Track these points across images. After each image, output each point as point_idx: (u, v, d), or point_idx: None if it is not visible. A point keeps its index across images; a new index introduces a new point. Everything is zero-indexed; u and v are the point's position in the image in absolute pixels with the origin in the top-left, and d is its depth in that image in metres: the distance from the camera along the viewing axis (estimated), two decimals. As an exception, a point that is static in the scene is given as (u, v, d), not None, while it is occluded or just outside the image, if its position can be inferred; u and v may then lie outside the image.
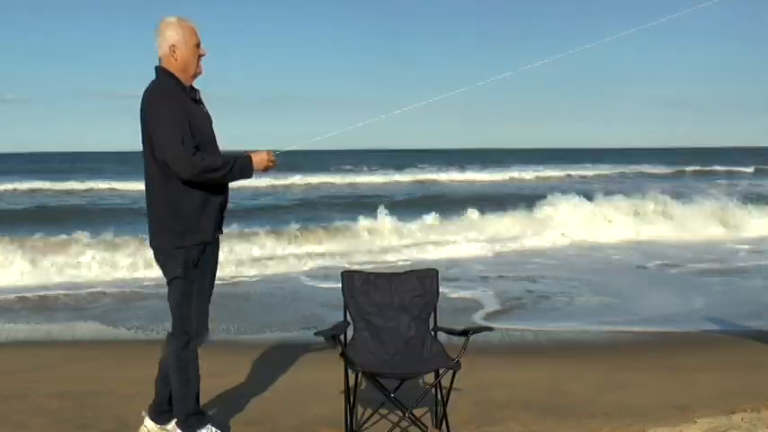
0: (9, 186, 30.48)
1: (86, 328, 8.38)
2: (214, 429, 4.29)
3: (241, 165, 4.11)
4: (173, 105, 3.95)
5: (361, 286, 4.72)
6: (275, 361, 6.54)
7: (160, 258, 4.17)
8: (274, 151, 4.27)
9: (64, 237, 13.94)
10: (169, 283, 4.17)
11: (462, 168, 45.93)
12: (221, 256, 4.46)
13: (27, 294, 10.31)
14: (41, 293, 10.37)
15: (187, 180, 3.96)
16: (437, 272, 4.84)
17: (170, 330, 4.24)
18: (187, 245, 4.06)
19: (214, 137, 4.22)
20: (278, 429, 4.82)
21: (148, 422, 4.39)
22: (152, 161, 4.01)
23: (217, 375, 6.00)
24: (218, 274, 4.41)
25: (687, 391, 5.60)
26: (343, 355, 4.34)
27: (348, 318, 4.65)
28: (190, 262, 4.08)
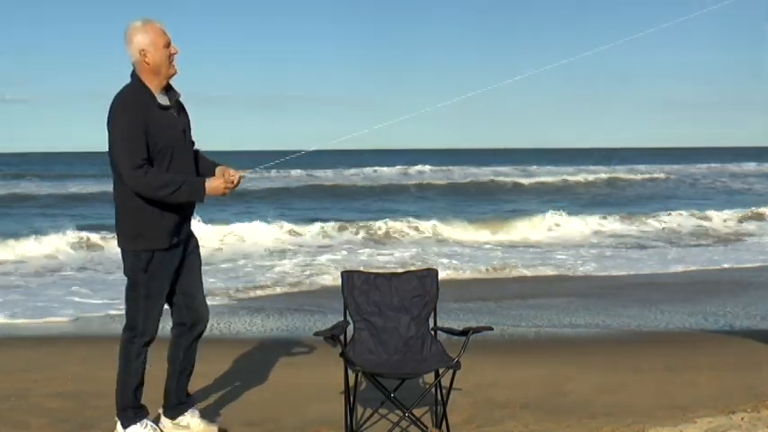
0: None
1: (87, 328, 8.38)
2: (151, 425, 4.33)
3: (191, 187, 4.12)
4: (130, 118, 4.01)
5: (360, 286, 4.72)
6: (275, 361, 6.53)
7: (122, 256, 4.31)
8: (244, 175, 4.25)
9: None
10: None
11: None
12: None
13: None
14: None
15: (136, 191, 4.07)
16: (437, 272, 4.84)
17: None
18: (137, 249, 4.16)
19: (180, 141, 4.22)
20: (278, 429, 4.82)
21: (164, 420, 4.49)
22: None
23: (217, 375, 6.01)
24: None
25: (687, 391, 5.60)
26: (343, 354, 4.35)
27: (348, 317, 4.66)
28: (139, 266, 4.17)
